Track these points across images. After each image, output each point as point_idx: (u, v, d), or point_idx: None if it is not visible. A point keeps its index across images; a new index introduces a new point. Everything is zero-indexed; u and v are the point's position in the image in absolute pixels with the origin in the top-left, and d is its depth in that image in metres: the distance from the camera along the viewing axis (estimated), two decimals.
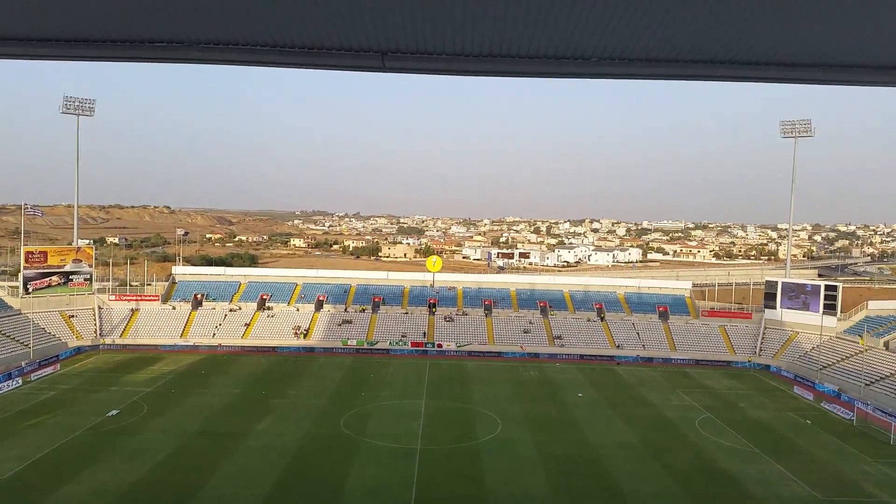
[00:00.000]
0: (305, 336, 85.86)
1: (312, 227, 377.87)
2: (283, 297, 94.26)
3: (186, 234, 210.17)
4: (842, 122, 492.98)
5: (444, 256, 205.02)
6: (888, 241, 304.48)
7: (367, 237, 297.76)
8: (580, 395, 63.58)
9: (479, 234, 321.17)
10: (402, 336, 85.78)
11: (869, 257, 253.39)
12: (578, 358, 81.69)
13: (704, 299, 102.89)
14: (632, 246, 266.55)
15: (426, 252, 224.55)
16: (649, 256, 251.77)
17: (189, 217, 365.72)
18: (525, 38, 5.38)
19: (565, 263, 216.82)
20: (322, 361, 76.33)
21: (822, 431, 53.82)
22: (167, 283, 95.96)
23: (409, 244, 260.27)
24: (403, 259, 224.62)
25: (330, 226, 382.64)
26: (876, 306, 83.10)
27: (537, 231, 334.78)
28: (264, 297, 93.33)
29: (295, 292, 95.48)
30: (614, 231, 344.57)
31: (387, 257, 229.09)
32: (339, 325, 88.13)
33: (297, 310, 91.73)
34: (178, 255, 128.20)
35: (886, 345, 72.78)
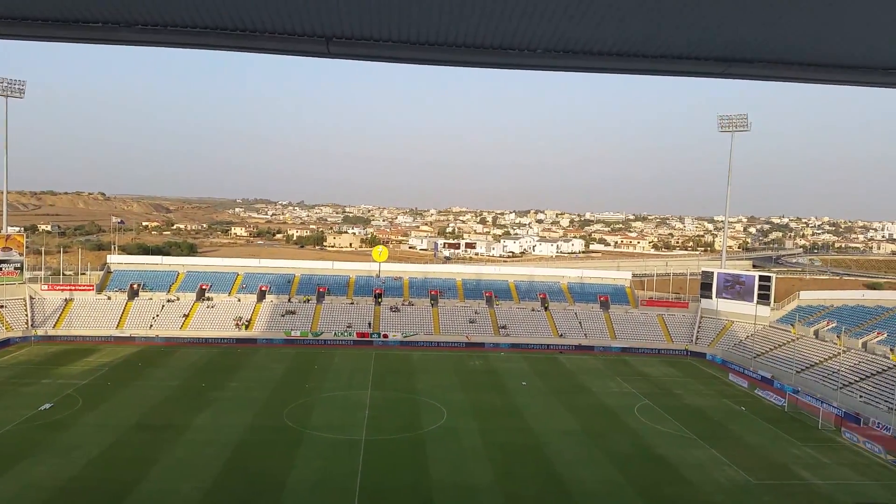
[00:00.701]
0: (247, 327, 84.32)
1: (255, 215, 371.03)
2: (224, 287, 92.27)
3: (122, 222, 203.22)
4: (778, 118, 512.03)
5: (391, 246, 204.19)
6: (819, 234, 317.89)
7: (311, 226, 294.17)
8: (524, 383, 64.41)
9: (426, 225, 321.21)
10: (348, 327, 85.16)
11: (801, 249, 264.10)
12: (523, 347, 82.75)
13: (644, 289, 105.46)
14: (575, 237, 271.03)
15: (372, 242, 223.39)
16: (592, 247, 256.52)
17: (125, 204, 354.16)
18: (471, 27, 5.31)
19: (511, 254, 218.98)
20: (264, 353, 75.13)
21: (756, 417, 55.92)
22: (102, 273, 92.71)
23: (354, 234, 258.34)
24: (349, 249, 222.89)
25: (273, 214, 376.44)
26: (807, 296, 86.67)
27: (483, 221, 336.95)
28: (203, 287, 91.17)
29: (236, 282, 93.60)
30: (558, 222, 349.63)
31: (332, 247, 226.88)
32: (283, 315, 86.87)
33: (239, 300, 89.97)
34: (114, 244, 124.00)
35: (816, 333, 76.06)
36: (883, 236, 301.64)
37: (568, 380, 67.02)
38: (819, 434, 51.92)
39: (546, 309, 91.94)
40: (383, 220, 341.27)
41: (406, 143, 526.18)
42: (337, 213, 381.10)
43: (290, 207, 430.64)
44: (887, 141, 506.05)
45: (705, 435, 49.98)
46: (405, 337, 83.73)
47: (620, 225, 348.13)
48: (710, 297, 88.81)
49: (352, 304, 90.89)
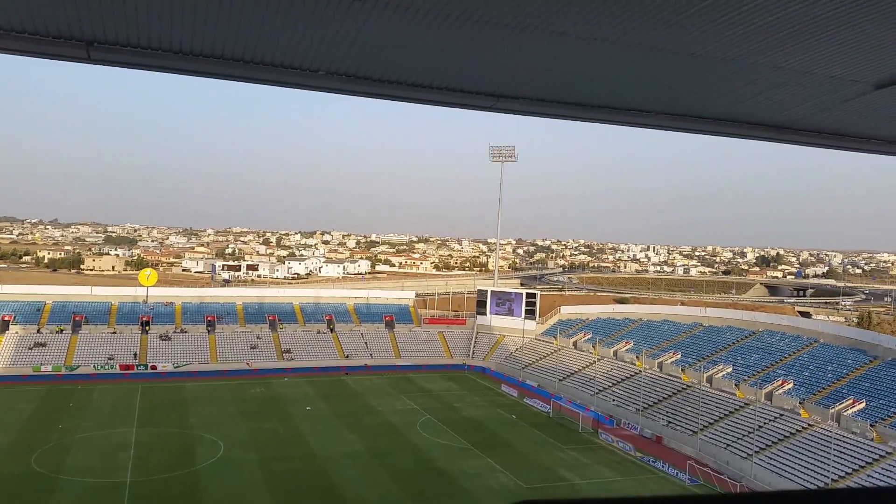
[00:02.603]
0: None
1: None
2: None
3: None
4: (543, 150, 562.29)
5: (161, 269, 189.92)
6: (576, 254, 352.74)
7: (66, 247, 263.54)
8: (308, 408, 63.06)
9: (202, 245, 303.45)
10: (109, 358, 77.15)
11: (561, 268, 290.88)
12: (308, 370, 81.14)
13: (426, 308, 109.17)
14: (362, 258, 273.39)
15: (139, 264, 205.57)
16: (378, 268, 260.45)
17: None
18: (241, 40, 5.05)
19: (296, 275, 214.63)
20: (7, 392, 65.32)
21: (525, 424, 60.15)
22: None
23: (118, 255, 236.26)
24: (112, 272, 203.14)
25: (20, 234, 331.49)
26: (567, 311, 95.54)
27: (267, 242, 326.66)
28: None
29: None
30: (345, 243, 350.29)
31: (91, 270, 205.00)
32: (31, 348, 76.39)
33: None
34: None
35: (575, 344, 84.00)
36: (628, 257, 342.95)
37: (353, 401, 66.87)
38: (580, 436, 57.18)
39: (332, 331, 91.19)
40: (152, 241, 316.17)
41: (179, 155, 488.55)
42: (97, 232, 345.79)
43: (41, 226, 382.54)
44: (634, 175, 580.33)
45: (481, 444, 52.64)
46: (177, 367, 77.91)
47: (405, 246, 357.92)
48: (485, 314, 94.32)
49: (114, 333, 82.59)
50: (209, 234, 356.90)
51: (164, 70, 5.62)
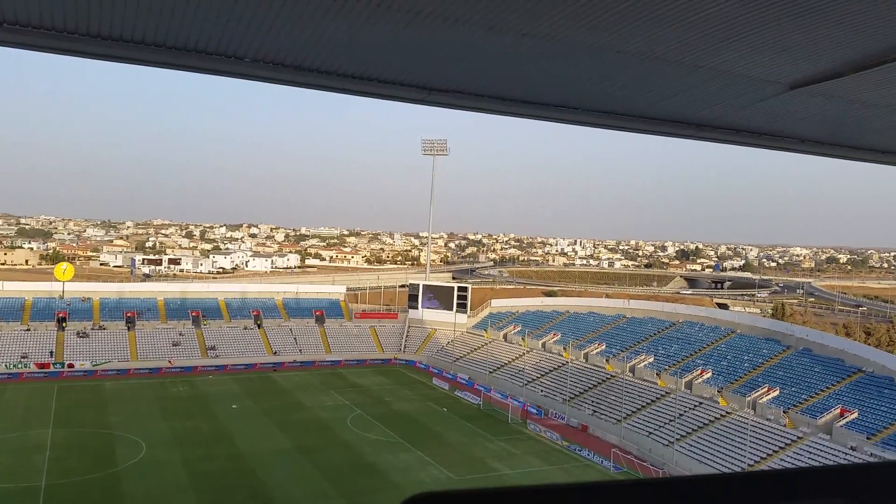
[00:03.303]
0: None
1: None
2: None
3: None
4: (475, 145, 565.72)
5: (78, 263, 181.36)
6: (507, 248, 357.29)
7: None
8: (234, 406, 61.63)
9: (121, 239, 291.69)
10: (23, 357, 73.24)
11: (492, 262, 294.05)
12: (234, 368, 79.26)
13: (358, 302, 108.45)
14: (291, 252, 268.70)
15: (54, 258, 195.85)
16: (308, 262, 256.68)
17: None
18: (163, 25, 4.85)
19: (221, 270, 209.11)
20: None
21: (456, 417, 60.61)
22: None
23: (32, 249, 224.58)
24: (25, 266, 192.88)
25: None
26: (497, 304, 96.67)
27: (190, 236, 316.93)
28: None
29: None
30: (273, 237, 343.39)
31: (3, 264, 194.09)
32: None
33: None
34: None
35: (505, 337, 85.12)
36: (557, 251, 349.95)
37: (282, 398, 65.76)
38: (509, 428, 58.05)
39: (259, 326, 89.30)
40: (68, 234, 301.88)
41: (97, 144, 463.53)
42: (10, 224, 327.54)
43: None
44: (562, 171, 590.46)
45: (412, 438, 52.73)
46: (95, 365, 74.73)
47: (336, 240, 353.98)
48: (417, 308, 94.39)
49: (28, 330, 78.43)
50: (129, 227, 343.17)
51: (73, 54, 5.35)
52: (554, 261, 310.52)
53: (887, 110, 6.36)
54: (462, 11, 4.38)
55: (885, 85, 5.59)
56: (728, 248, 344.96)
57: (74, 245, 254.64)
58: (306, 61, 5.48)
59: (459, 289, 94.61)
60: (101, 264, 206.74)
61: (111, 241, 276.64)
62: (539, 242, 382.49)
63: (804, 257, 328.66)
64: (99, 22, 4.76)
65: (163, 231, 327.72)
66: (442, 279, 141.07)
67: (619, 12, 4.32)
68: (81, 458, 45.13)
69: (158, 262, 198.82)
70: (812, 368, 56.51)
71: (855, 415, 48.32)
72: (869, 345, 72.85)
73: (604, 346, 72.69)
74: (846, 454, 45.30)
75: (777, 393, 54.60)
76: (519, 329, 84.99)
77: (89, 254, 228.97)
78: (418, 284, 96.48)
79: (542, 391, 67.91)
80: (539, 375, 71.68)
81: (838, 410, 49.42)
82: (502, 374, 75.44)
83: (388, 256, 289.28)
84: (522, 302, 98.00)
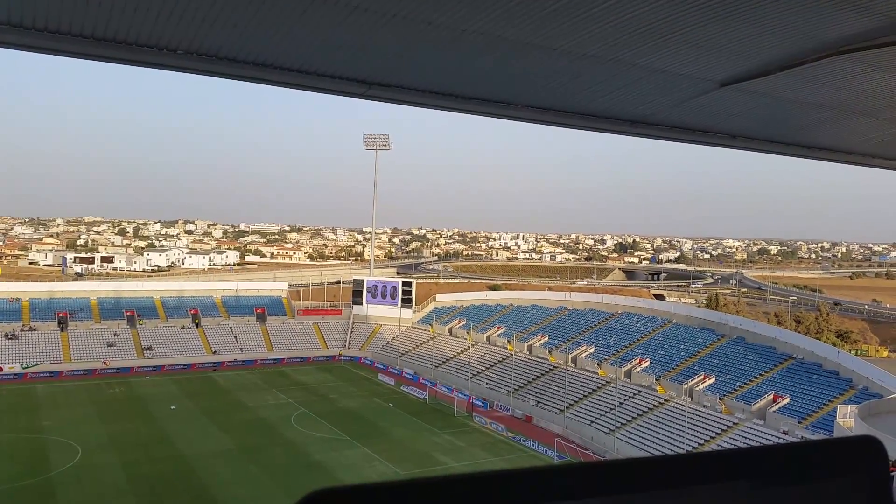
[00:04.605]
0: None
1: None
2: None
3: None
4: (418, 139, 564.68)
5: (5, 262, 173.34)
6: (451, 243, 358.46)
7: None
8: (173, 407, 60.08)
9: (51, 236, 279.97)
10: None
11: (436, 257, 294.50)
12: (172, 368, 77.20)
13: (300, 299, 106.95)
14: (230, 249, 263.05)
15: None
16: (247, 259, 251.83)
17: None
18: (91, 17, 4.69)
19: (157, 268, 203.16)
20: None
21: (402, 412, 60.58)
22: None
23: None
24: None
25: None
26: (442, 298, 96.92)
27: (123, 233, 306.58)
28: None
29: None
30: (211, 233, 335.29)
31: None
32: None
33: None
34: None
35: (451, 331, 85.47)
36: (500, 245, 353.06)
37: (222, 398, 64.43)
38: (455, 421, 58.39)
39: (198, 325, 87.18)
40: None
41: (23, 137, 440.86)
42: None
43: None
44: (505, 166, 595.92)
45: (358, 435, 52.48)
46: (26, 368, 71.65)
47: (276, 236, 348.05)
48: (361, 304, 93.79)
49: None
50: (58, 224, 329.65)
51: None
52: (498, 255, 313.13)
53: (809, 107, 6.67)
54: (399, 7, 4.38)
55: (807, 84, 5.87)
56: (664, 241, 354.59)
57: (1, 243, 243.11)
58: (241, 54, 5.38)
59: (404, 284, 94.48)
60: (30, 263, 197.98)
61: (40, 239, 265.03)
62: (483, 237, 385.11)
63: (736, 249, 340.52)
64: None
65: (94, 228, 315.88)
66: (386, 274, 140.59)
67: (552, 11, 4.39)
68: (12, 465, 43.27)
69: (91, 261, 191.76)
70: (745, 356, 58.70)
71: (787, 400, 50.46)
72: (799, 332, 76.29)
73: (547, 338, 73.83)
74: (779, 438, 47.31)
75: (713, 380, 56.52)
76: (464, 323, 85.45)
77: (17, 252, 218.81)
78: (363, 280, 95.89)
79: (487, 384, 68.52)
80: (484, 368, 72.30)
81: (771, 396, 51.53)
82: (448, 367, 75.77)
83: (331, 252, 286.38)
84: (467, 296, 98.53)
